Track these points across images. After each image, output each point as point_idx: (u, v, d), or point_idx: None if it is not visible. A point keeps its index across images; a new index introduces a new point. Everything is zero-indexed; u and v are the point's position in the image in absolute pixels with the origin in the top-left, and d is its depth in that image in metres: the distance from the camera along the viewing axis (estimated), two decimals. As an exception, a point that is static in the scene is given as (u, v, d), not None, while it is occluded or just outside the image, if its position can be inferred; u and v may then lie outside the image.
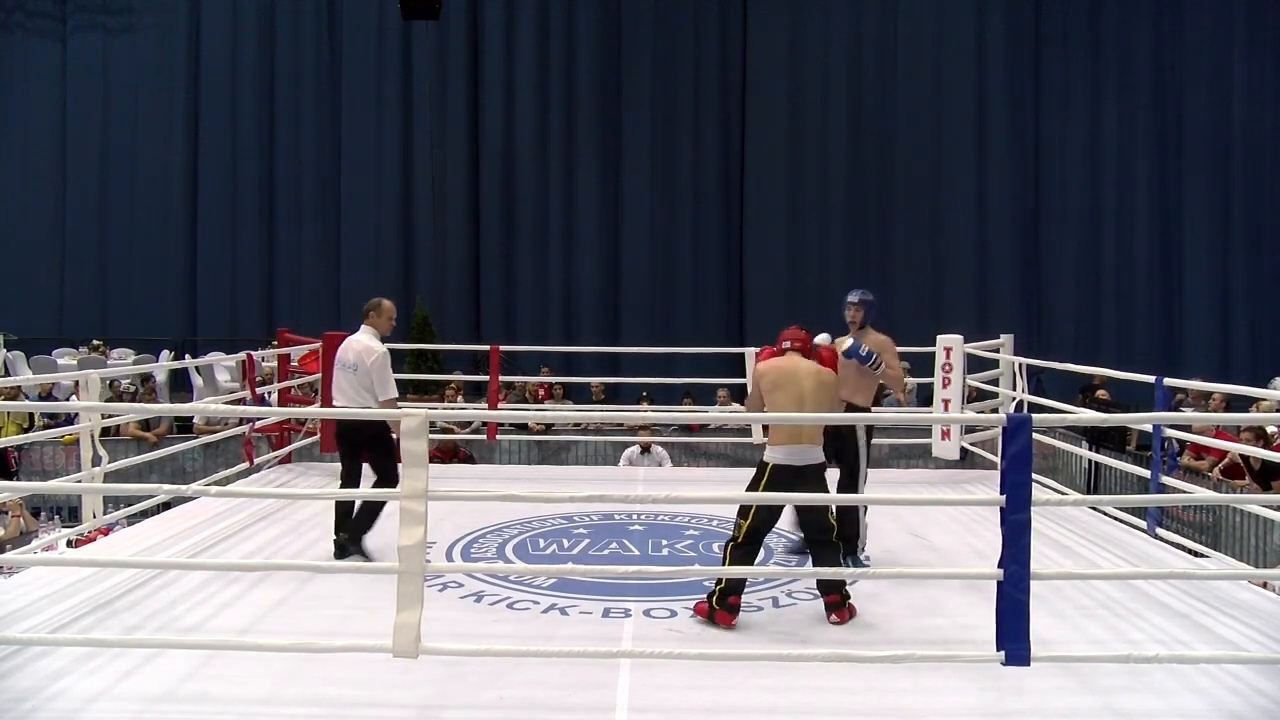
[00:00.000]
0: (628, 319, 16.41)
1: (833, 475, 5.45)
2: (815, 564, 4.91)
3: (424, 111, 16.55)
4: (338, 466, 8.64)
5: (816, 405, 4.82)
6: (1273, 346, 15.09)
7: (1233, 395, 9.41)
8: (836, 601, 4.75)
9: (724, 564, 4.73)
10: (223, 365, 13.57)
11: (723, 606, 4.62)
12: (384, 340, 5.85)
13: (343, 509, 5.74)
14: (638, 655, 3.98)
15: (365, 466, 5.84)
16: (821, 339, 5.47)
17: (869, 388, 5.86)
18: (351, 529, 5.64)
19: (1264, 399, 8.02)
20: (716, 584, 4.68)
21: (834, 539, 4.84)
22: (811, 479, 4.74)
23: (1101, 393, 10.96)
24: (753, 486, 4.85)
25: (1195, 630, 4.62)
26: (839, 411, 5.35)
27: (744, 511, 4.79)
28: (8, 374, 13.44)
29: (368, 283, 16.67)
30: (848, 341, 5.71)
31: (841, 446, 5.66)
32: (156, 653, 4.17)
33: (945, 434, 8.25)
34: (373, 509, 5.67)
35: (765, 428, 10.22)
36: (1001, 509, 3.70)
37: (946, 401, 8.07)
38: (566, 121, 16.68)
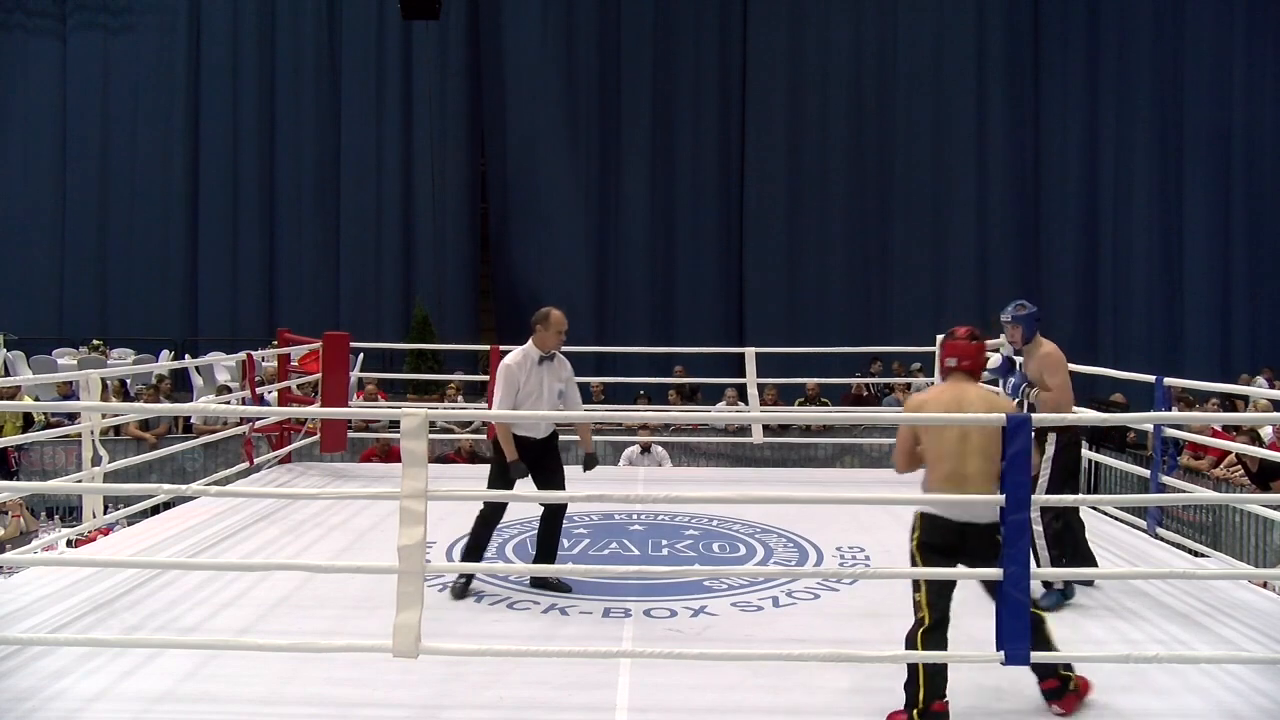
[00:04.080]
0: (627, 318, 16.42)
1: None
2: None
3: (424, 111, 16.55)
4: (337, 466, 8.75)
5: (984, 453, 3.72)
6: (1273, 346, 15.10)
7: (1228, 395, 9.46)
8: (1055, 688, 3.75)
9: (917, 672, 3.65)
10: (223, 365, 13.60)
11: (927, 715, 3.59)
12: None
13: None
14: (638, 655, 3.98)
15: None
16: (992, 362, 4.79)
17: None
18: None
19: (1258, 399, 8.04)
20: (910, 687, 3.64)
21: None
22: (978, 543, 3.70)
23: (1118, 396, 11.04)
24: (913, 551, 3.81)
25: (1195, 630, 4.62)
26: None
27: (915, 584, 3.76)
28: (8, 374, 13.45)
29: (368, 283, 16.76)
30: (995, 358, 4.92)
31: None
32: (156, 653, 4.17)
33: (945, 434, 8.23)
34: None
35: (766, 428, 10.35)
36: (1001, 509, 3.70)
37: (946, 401, 8.06)
38: (566, 121, 16.68)
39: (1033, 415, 3.86)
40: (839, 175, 16.51)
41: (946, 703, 3.62)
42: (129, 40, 16.92)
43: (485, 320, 16.89)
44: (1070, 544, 5.09)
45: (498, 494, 5.16)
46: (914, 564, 3.79)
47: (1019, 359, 5.22)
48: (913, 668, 3.64)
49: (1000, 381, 5.20)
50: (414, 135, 16.73)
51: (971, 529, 3.71)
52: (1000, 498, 3.65)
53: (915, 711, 3.59)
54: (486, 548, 5.36)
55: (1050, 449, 4.97)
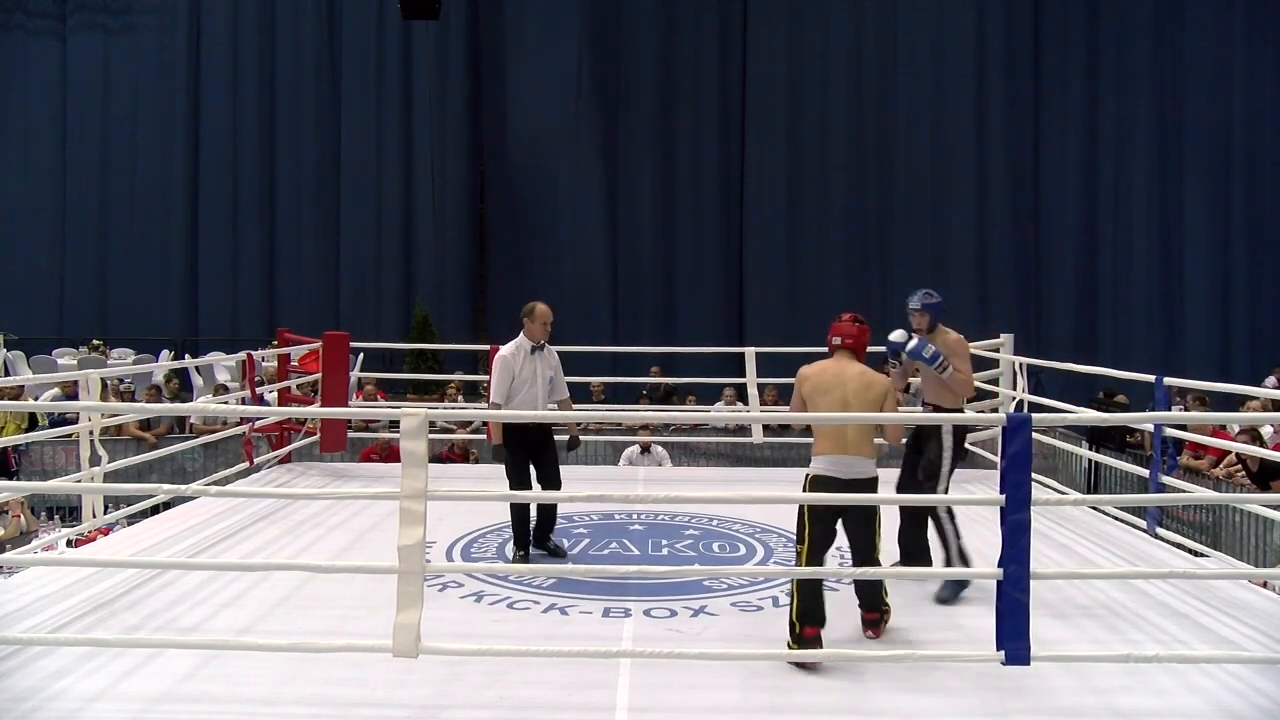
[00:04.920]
0: (627, 318, 16.42)
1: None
2: (859, 591, 4.46)
3: (424, 111, 16.55)
4: (337, 466, 8.74)
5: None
6: (1273, 346, 15.09)
7: (1230, 394, 9.44)
8: (875, 619, 4.44)
9: (792, 599, 4.26)
10: (223, 365, 13.59)
11: (798, 643, 4.16)
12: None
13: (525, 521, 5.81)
14: (638, 655, 3.98)
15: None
16: (896, 336, 5.16)
17: (954, 390, 5.30)
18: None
19: (1257, 398, 8.03)
20: (790, 620, 4.24)
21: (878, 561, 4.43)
22: (858, 495, 4.26)
23: (1121, 397, 11.04)
24: (801, 509, 4.36)
25: (1195, 630, 4.62)
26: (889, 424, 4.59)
27: (799, 536, 4.35)
28: (8, 374, 13.44)
29: (368, 283, 16.76)
30: (911, 340, 5.21)
31: (924, 449, 5.19)
32: (156, 653, 4.17)
33: (945, 434, 8.23)
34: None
35: (766, 427, 10.32)
36: (1001, 509, 3.70)
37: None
38: (566, 121, 16.68)
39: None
40: (839, 175, 16.50)
41: (819, 631, 4.17)
42: (129, 40, 16.92)
43: (485, 320, 16.90)
44: (912, 543, 5.15)
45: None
46: (800, 520, 4.32)
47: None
48: (790, 598, 4.26)
49: (896, 354, 5.29)
50: (414, 135, 16.73)
51: (855, 485, 4.28)
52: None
53: (791, 639, 4.17)
54: (529, 531, 5.80)
55: (948, 439, 5.12)
